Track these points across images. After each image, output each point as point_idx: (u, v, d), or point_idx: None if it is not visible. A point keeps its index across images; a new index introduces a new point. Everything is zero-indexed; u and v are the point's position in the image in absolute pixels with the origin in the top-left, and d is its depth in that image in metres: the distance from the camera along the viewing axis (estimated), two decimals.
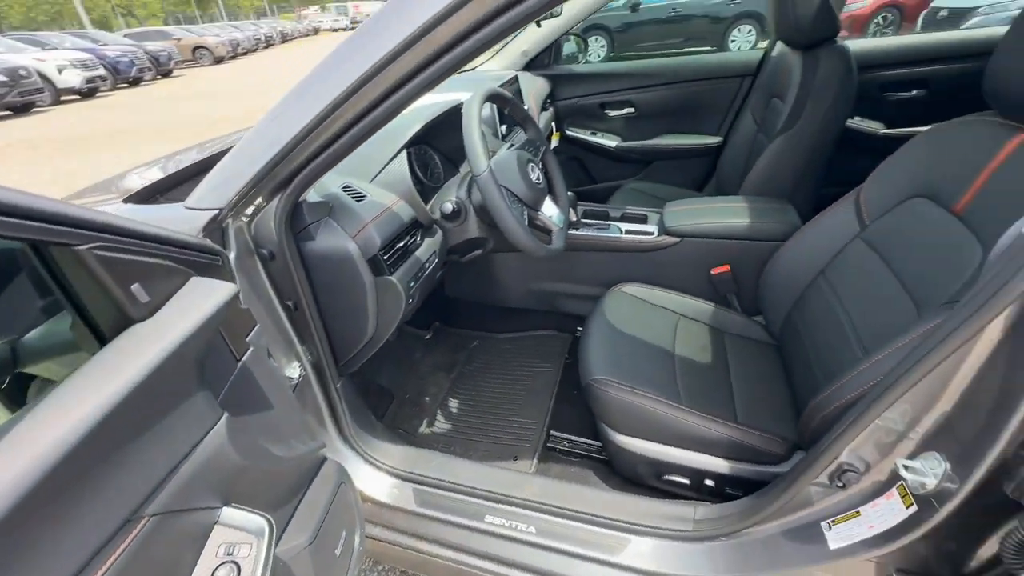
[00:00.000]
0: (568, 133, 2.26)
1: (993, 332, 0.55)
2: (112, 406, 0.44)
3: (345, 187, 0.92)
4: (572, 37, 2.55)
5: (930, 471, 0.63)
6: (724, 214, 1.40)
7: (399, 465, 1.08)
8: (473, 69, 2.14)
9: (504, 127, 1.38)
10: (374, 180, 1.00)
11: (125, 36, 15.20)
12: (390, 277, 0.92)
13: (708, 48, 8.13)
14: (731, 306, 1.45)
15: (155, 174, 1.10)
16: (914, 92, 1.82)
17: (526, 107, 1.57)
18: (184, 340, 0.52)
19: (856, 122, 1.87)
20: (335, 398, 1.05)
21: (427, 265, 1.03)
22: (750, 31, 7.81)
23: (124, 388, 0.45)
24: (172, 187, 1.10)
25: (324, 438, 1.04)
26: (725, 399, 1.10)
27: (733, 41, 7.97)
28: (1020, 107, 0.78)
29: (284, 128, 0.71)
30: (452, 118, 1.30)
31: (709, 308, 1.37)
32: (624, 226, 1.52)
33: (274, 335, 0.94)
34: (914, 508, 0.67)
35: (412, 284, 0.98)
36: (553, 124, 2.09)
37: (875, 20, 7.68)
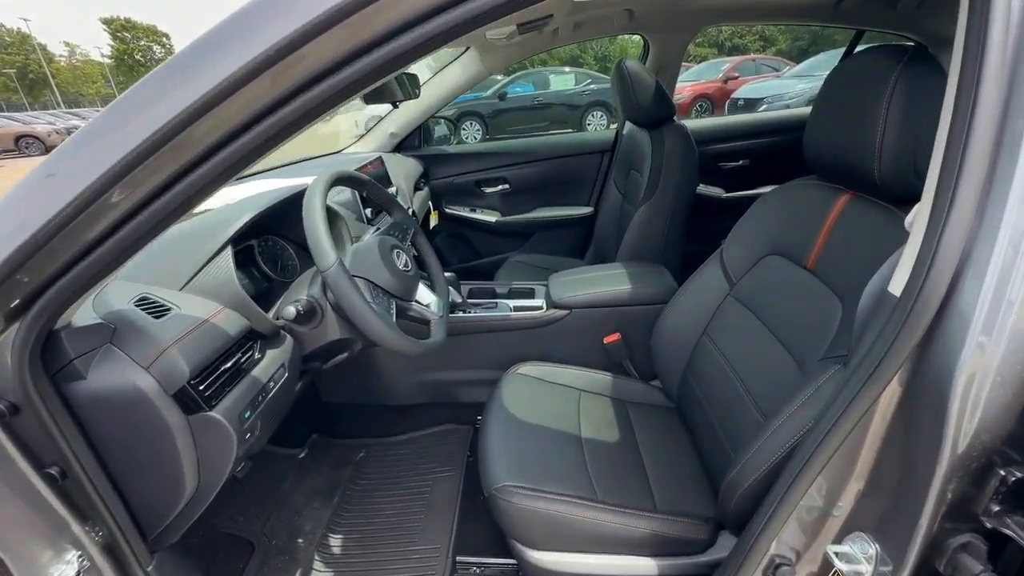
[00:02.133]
0: (447, 211, 2.22)
1: (887, 400, 0.53)
2: None
3: (141, 300, 0.69)
4: (443, 120, 2.61)
5: (861, 555, 0.57)
6: (606, 282, 1.40)
7: None
8: (339, 152, 2.04)
9: (370, 211, 1.26)
10: (187, 287, 0.79)
11: None
12: (210, 412, 0.69)
13: (570, 130, 9.19)
14: (628, 373, 1.42)
15: None
16: (741, 161, 2.12)
17: (393, 188, 1.49)
18: None
19: (702, 188, 2.10)
20: None
21: (271, 384, 0.82)
22: (601, 116, 9.04)
23: None
24: None
25: None
26: (640, 483, 1.00)
27: (589, 124, 9.13)
28: (834, 172, 0.87)
29: (27, 214, 0.50)
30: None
31: (608, 379, 1.32)
32: (512, 303, 1.46)
33: (27, 521, 0.64)
34: None
35: (248, 414, 0.75)
36: (430, 203, 2.03)
37: (694, 108, 9.43)
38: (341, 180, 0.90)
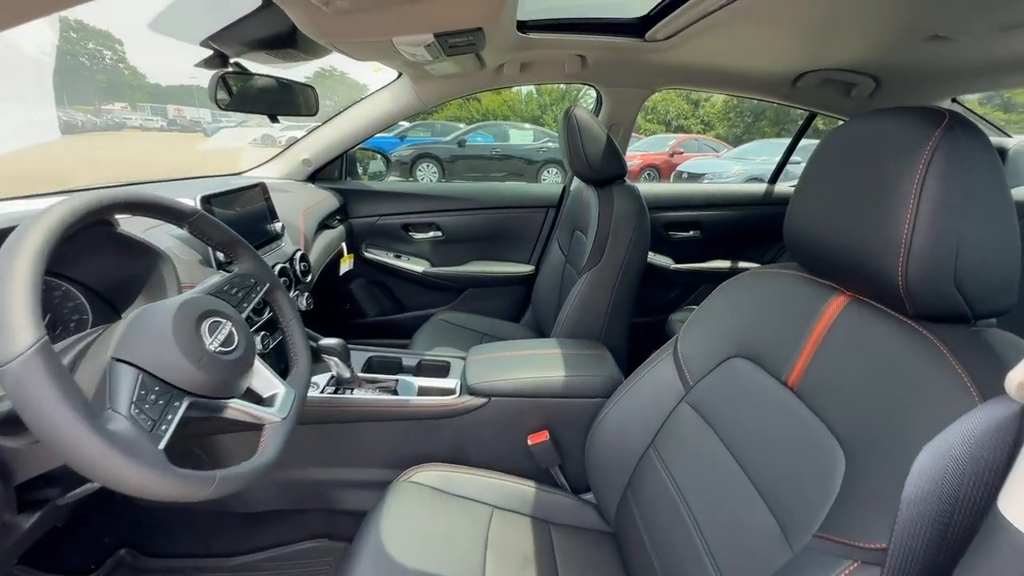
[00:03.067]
0: (367, 255, 1.91)
1: None
2: None
3: None
4: (379, 155, 2.36)
5: None
6: (536, 366, 1.13)
7: None
8: (239, 174, 1.71)
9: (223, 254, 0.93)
10: None
11: None
12: None
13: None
14: (556, 482, 1.12)
15: None
16: (691, 232, 2.00)
17: (278, 224, 1.17)
18: None
19: (651, 257, 1.94)
20: None
21: None
22: (557, 173, 9.25)
23: None
24: None
25: None
26: None
27: (544, 179, 9.31)
28: (829, 268, 0.67)
29: None
30: (87, 232, 0.75)
31: (530, 491, 1.02)
32: (419, 381, 1.15)
33: None
34: None
35: None
36: (344, 245, 1.72)
37: (643, 175, 9.93)
38: (116, 207, 0.58)
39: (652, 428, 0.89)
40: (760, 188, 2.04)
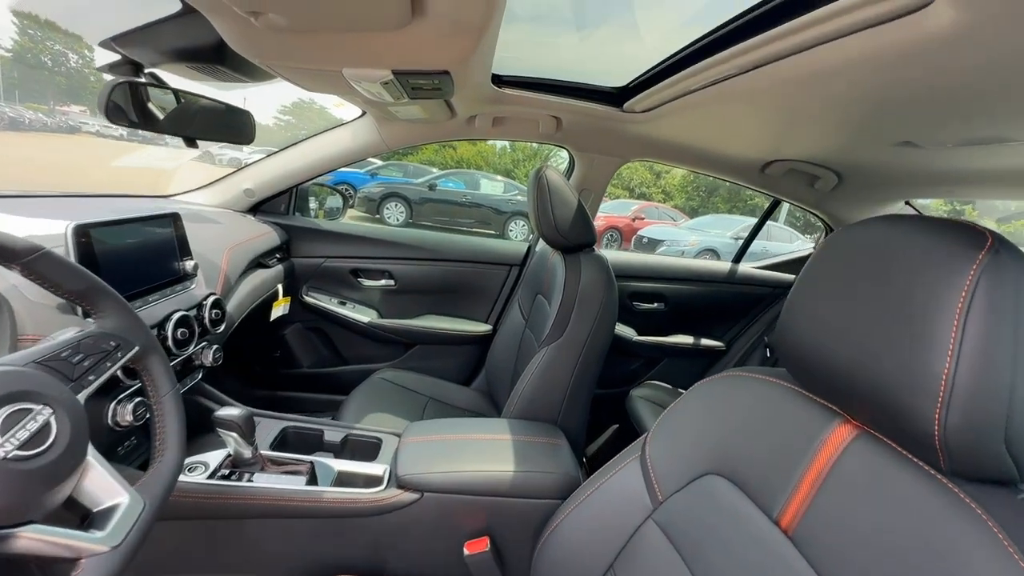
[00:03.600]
0: (307, 299, 1.72)
1: None
2: None
3: None
4: (337, 193, 2.22)
5: None
6: (480, 455, 0.97)
7: None
8: (168, 196, 1.51)
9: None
10: None
11: None
12: None
13: (492, 232, 9.36)
14: None
15: None
16: (656, 304, 1.94)
17: (190, 263, 0.99)
18: None
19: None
20: None
21: None
22: (523, 226, 9.38)
23: None
24: None
25: None
26: None
27: (511, 231, 9.42)
28: (825, 388, 0.57)
29: None
30: None
31: None
32: (340, 465, 0.95)
33: None
34: None
35: None
36: (280, 286, 1.53)
37: (605, 236, 10.24)
38: None
39: (613, 547, 0.74)
40: (725, 267, 2.03)
